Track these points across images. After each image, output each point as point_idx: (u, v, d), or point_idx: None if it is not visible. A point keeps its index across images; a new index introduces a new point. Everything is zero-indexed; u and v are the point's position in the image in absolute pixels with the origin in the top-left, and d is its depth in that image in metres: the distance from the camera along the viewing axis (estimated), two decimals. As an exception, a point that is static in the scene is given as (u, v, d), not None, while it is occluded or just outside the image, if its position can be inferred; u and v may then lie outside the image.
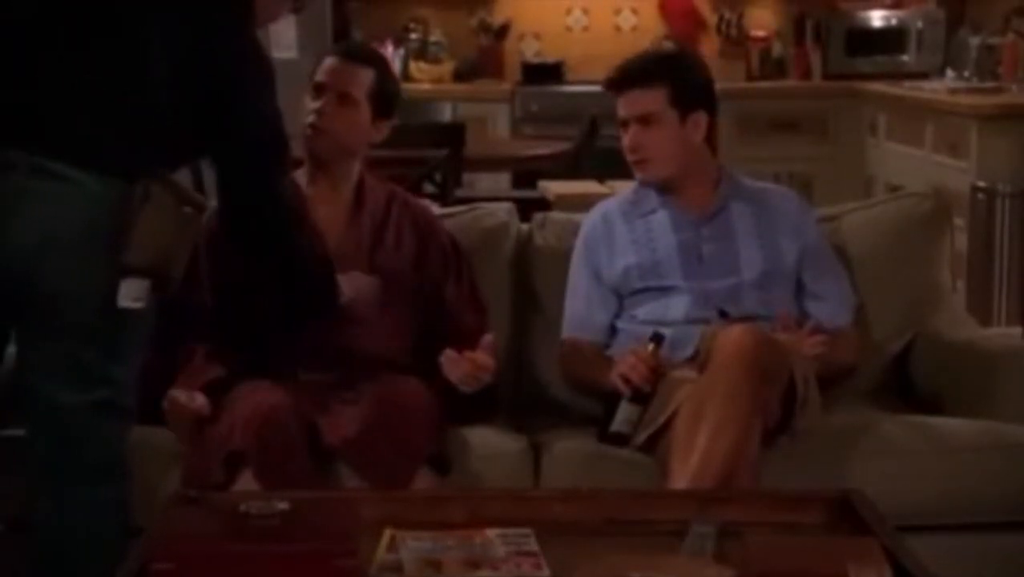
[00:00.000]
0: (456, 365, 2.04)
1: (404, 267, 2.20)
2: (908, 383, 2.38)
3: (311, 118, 2.15)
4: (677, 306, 2.18)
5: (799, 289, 2.26)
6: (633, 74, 2.21)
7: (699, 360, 2.06)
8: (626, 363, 2.09)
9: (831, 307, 2.24)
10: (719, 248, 2.22)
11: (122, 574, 1.52)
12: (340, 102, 2.15)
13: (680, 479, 1.89)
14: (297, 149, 2.16)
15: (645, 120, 2.19)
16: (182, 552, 1.54)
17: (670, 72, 2.21)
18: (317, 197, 2.20)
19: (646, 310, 2.21)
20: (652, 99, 2.19)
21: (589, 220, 2.33)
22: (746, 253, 2.22)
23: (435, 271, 2.23)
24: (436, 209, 2.47)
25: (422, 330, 2.20)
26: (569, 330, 2.28)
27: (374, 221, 2.21)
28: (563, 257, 2.34)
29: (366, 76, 2.16)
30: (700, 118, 2.21)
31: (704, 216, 2.25)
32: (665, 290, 2.20)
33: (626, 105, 2.21)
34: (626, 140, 2.22)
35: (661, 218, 2.25)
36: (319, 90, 2.16)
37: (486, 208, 2.45)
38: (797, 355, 2.03)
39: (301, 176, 2.22)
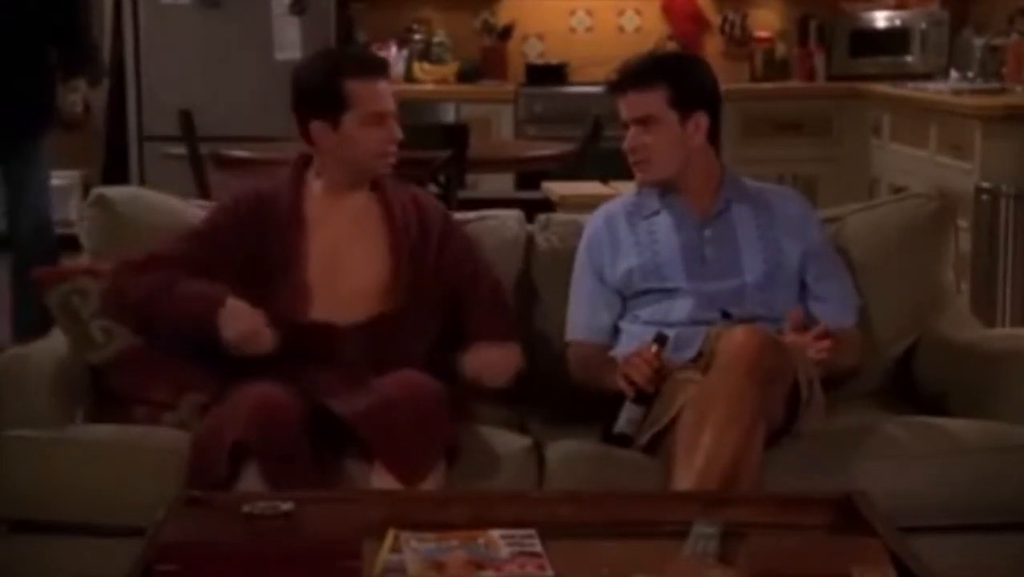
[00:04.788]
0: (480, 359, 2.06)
1: (427, 267, 2.18)
2: (912, 384, 2.37)
3: (392, 155, 2.15)
4: (680, 308, 2.18)
5: (802, 290, 2.25)
6: (632, 75, 2.21)
7: (703, 361, 2.06)
8: (630, 364, 2.09)
9: (834, 308, 2.23)
10: (721, 250, 2.22)
11: (126, 574, 1.52)
12: (397, 118, 2.17)
13: (684, 480, 1.88)
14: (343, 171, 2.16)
15: (644, 122, 2.19)
16: (186, 553, 1.55)
17: (669, 73, 2.20)
18: (339, 203, 2.18)
19: (649, 312, 2.21)
20: (651, 101, 2.18)
21: (592, 222, 2.32)
22: (748, 255, 2.21)
23: (454, 268, 2.21)
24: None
25: (442, 332, 2.18)
26: (573, 332, 2.27)
27: (405, 217, 2.19)
28: (566, 258, 2.33)
29: (389, 86, 2.18)
30: (701, 119, 2.21)
31: (706, 218, 2.24)
32: (668, 292, 2.20)
33: (626, 106, 2.21)
34: (626, 141, 2.22)
35: (663, 220, 2.25)
36: (383, 118, 2.13)
37: (497, 217, 2.44)
38: (801, 356, 2.03)
39: (315, 195, 2.18)
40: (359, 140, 2.13)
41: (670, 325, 2.15)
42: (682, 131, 2.19)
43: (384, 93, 2.15)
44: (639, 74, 2.21)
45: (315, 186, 2.20)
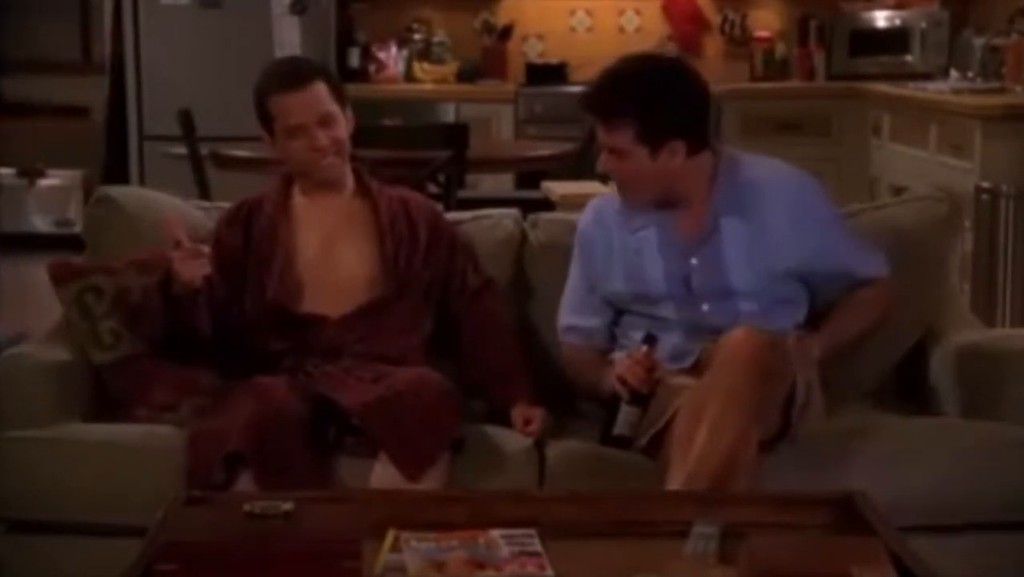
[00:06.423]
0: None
1: (416, 261, 2.22)
2: (913, 384, 2.37)
3: (328, 155, 2.17)
4: (672, 336, 2.14)
5: (816, 278, 2.17)
6: (598, 108, 2.09)
7: (701, 366, 2.04)
8: (622, 365, 2.08)
9: (856, 270, 2.17)
10: (708, 275, 2.13)
11: (126, 574, 1.52)
12: (326, 123, 2.17)
13: (676, 478, 1.87)
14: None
15: (615, 152, 2.10)
16: (186, 552, 1.54)
17: (636, 107, 2.05)
18: (321, 203, 2.22)
19: (641, 333, 2.14)
20: (618, 136, 2.07)
21: (583, 220, 2.27)
22: (737, 276, 2.13)
23: (443, 265, 2.24)
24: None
25: (437, 324, 2.22)
26: (564, 334, 2.26)
27: (392, 214, 2.23)
28: (558, 257, 2.31)
29: (321, 86, 2.18)
30: (675, 146, 2.06)
31: (693, 242, 2.14)
32: (658, 320, 2.16)
33: (599, 131, 2.12)
34: (599, 164, 2.14)
35: (650, 242, 2.16)
36: (301, 129, 2.16)
37: (492, 216, 2.43)
38: (801, 359, 2.01)
39: (298, 198, 2.23)
40: (287, 150, 2.20)
41: (664, 341, 2.11)
42: (653, 162, 2.07)
43: (298, 105, 2.16)
44: (605, 107, 2.08)
45: (297, 190, 2.26)
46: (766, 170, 2.20)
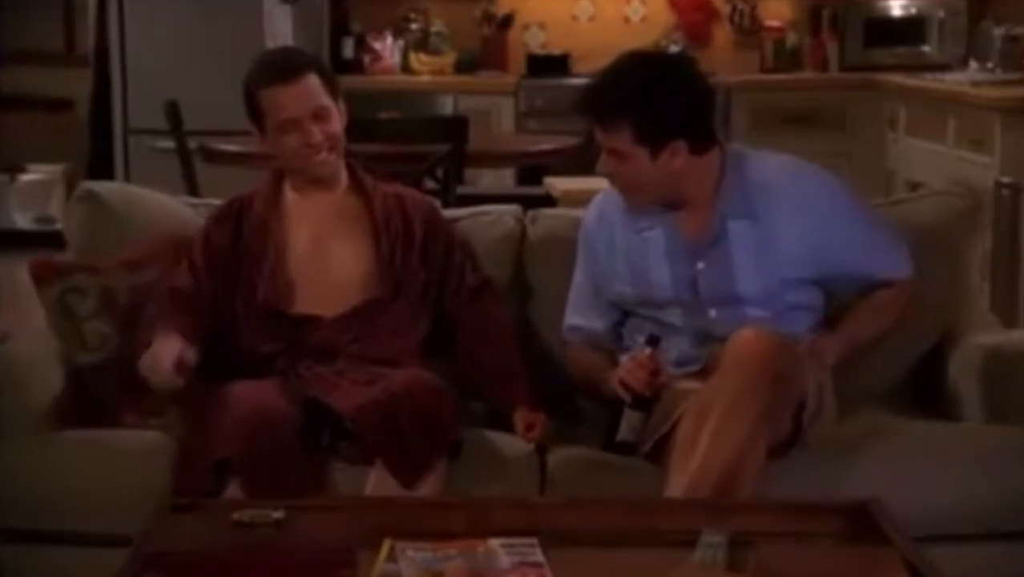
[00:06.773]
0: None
1: (412, 259, 2.18)
2: (930, 387, 2.31)
3: (321, 150, 2.12)
4: (678, 343, 2.09)
5: (832, 281, 2.12)
6: (593, 111, 2.04)
7: (708, 371, 1.99)
8: (624, 368, 2.04)
9: (877, 272, 2.12)
10: (715, 280, 2.08)
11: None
12: (320, 117, 2.12)
13: (677, 483, 1.83)
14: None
15: (614, 153, 2.05)
16: (172, 562, 1.53)
17: (632, 110, 1.99)
18: (314, 201, 2.18)
19: (646, 335, 2.08)
20: (617, 139, 2.01)
21: (587, 218, 2.22)
22: (745, 282, 2.07)
23: (440, 263, 2.21)
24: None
25: (433, 324, 2.19)
26: (569, 333, 2.21)
27: (386, 211, 2.19)
28: (560, 256, 2.26)
29: (314, 79, 2.13)
30: (676, 147, 2.01)
31: (699, 246, 2.08)
32: (664, 325, 2.11)
33: (597, 134, 2.07)
34: (599, 166, 2.09)
35: (656, 244, 2.10)
36: (294, 124, 2.11)
37: (491, 213, 2.39)
38: (813, 363, 1.97)
39: (290, 194, 2.19)
40: (279, 146, 2.16)
41: (671, 347, 2.06)
42: (654, 163, 2.02)
43: (291, 98, 2.11)
44: (601, 111, 2.03)
45: (289, 186, 2.22)
46: (776, 169, 2.14)
